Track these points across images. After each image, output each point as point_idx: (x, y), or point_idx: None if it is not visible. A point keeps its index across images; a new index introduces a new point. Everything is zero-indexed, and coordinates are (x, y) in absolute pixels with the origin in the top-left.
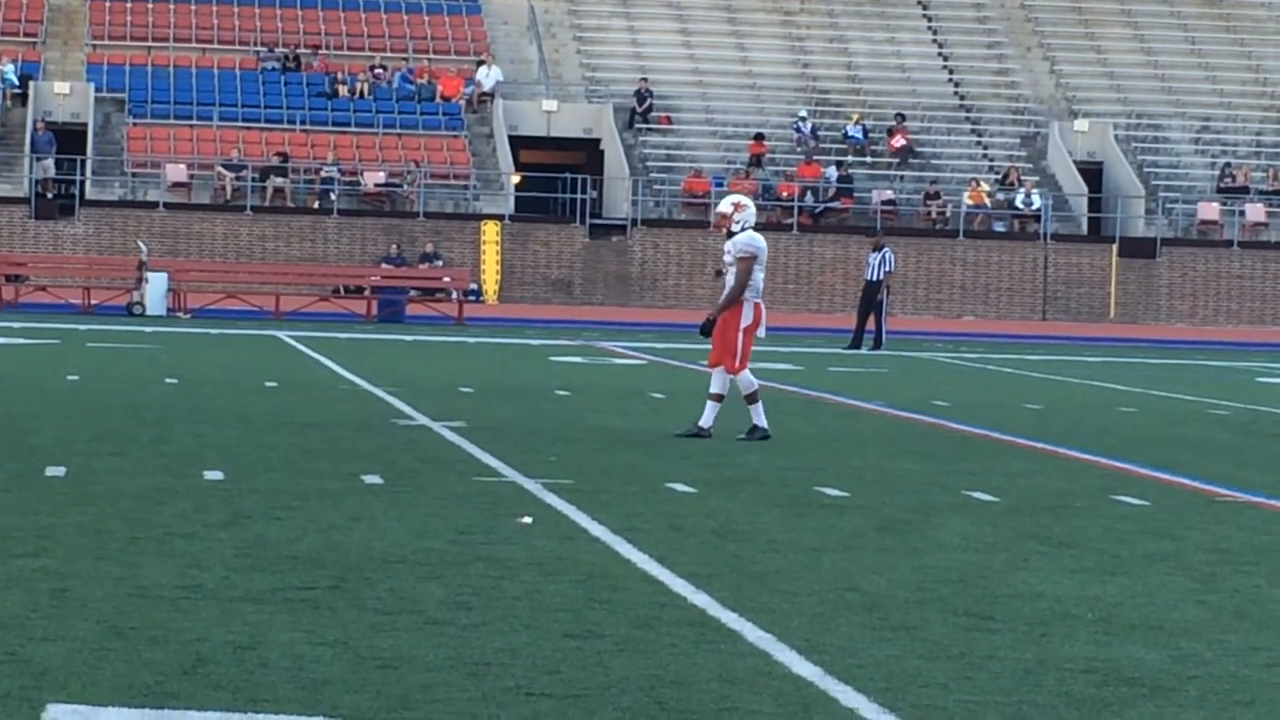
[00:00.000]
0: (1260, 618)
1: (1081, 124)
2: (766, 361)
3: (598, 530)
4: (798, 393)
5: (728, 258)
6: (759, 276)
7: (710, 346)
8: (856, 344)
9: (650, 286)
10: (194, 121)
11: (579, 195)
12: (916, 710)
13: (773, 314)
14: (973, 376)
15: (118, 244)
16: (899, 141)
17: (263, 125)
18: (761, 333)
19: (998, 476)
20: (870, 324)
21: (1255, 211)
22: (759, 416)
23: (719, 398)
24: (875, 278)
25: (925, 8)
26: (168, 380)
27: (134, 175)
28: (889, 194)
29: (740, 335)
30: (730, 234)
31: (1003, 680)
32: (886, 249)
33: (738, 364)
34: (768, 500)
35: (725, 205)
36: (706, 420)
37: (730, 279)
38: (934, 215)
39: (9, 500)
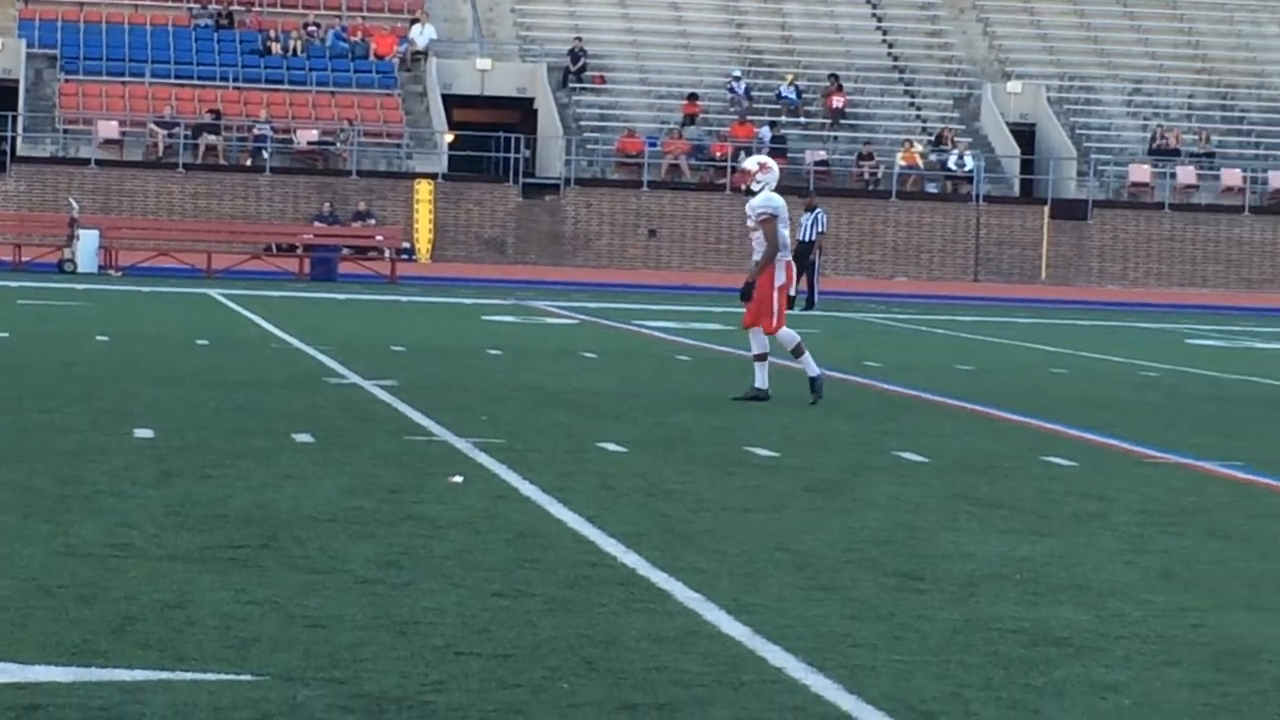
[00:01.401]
0: (1187, 578)
1: (1014, 86)
2: (699, 322)
3: (528, 490)
4: (729, 353)
5: (750, 221)
6: (784, 234)
7: (743, 310)
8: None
9: (583, 246)
10: (126, 78)
11: (512, 154)
12: (844, 670)
13: (706, 274)
14: (904, 337)
15: (49, 201)
16: (837, 102)
17: (195, 82)
18: (792, 290)
19: (928, 437)
20: (803, 284)
21: (1186, 174)
22: (811, 368)
23: (763, 357)
24: (807, 238)
25: None
26: (99, 338)
27: (66, 132)
28: (822, 154)
29: (775, 294)
30: (749, 191)
31: (931, 640)
32: (819, 209)
33: (775, 322)
34: (698, 460)
35: (750, 163)
36: (761, 381)
37: (756, 241)
38: (867, 176)
39: None
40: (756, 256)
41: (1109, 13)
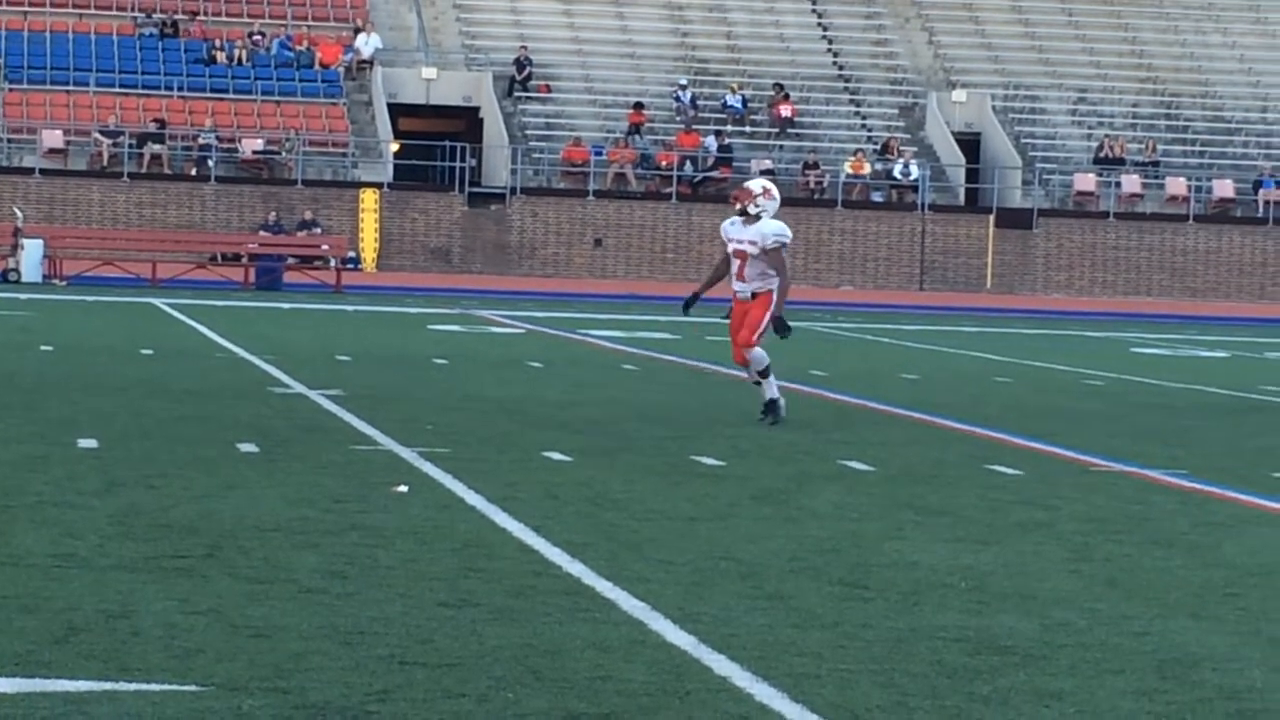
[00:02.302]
0: (1131, 586)
1: (959, 95)
2: (645, 330)
3: (474, 499)
4: (675, 362)
5: (746, 247)
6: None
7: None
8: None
9: (529, 255)
10: (70, 87)
11: (458, 163)
12: (790, 679)
13: (651, 283)
14: (850, 346)
15: None
16: (784, 111)
17: (140, 91)
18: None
19: (873, 446)
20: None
21: (1131, 183)
22: (772, 390)
23: (765, 372)
24: None
25: None
26: (43, 347)
27: (9, 141)
28: (768, 164)
29: (766, 316)
30: (744, 213)
31: (875, 649)
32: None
33: (755, 338)
34: (644, 469)
35: (755, 185)
36: (772, 392)
37: (752, 265)
38: (812, 185)
39: None
40: (750, 284)
41: (1054, 22)
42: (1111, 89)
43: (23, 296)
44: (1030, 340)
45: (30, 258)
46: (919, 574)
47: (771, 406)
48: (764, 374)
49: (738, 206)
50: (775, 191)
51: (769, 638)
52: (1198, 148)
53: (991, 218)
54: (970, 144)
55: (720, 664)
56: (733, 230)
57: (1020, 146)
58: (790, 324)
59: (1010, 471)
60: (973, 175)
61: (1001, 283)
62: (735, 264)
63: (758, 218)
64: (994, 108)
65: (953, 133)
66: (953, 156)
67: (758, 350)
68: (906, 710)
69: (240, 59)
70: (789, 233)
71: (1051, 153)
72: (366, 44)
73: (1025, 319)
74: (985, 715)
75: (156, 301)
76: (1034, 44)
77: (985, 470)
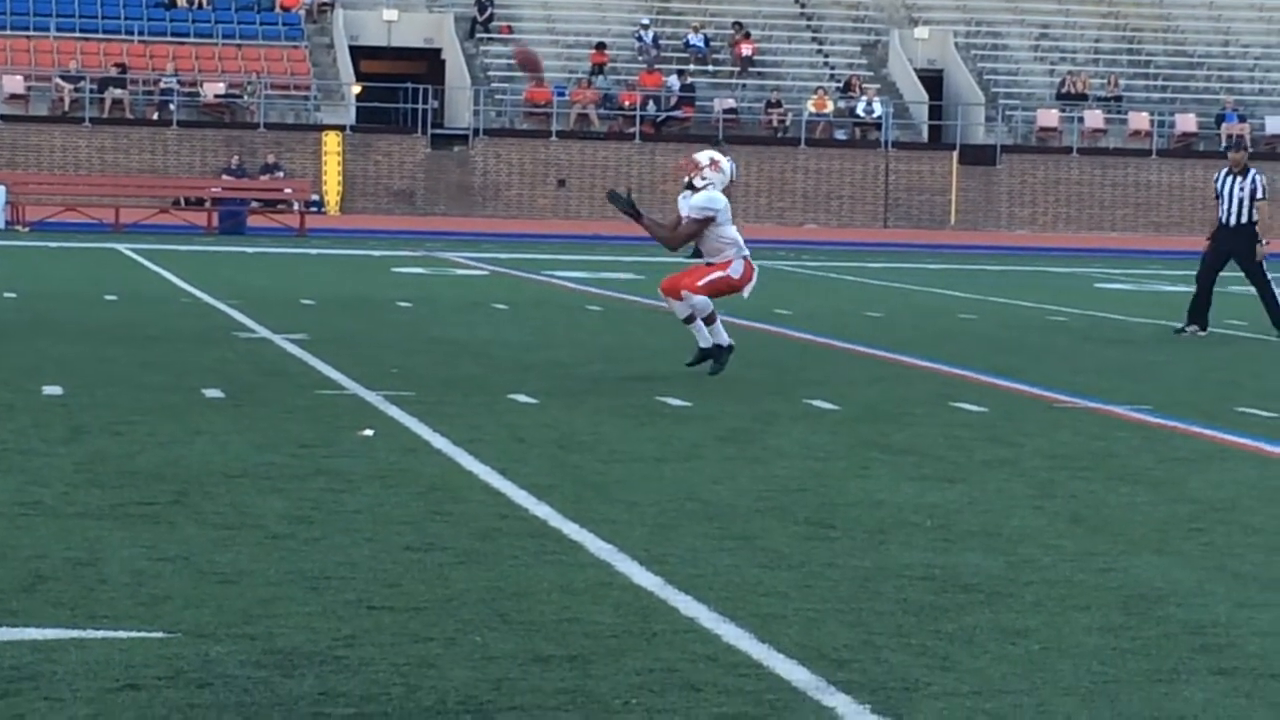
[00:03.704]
0: (1095, 523)
1: (922, 32)
2: (609, 271)
3: (439, 442)
4: (639, 302)
5: (685, 212)
6: (732, 231)
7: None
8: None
9: (493, 197)
10: (30, 32)
11: (420, 105)
12: (756, 619)
13: (616, 224)
14: (814, 284)
15: None
16: (745, 50)
17: (100, 36)
18: (746, 293)
19: (838, 385)
20: None
21: (1094, 118)
22: (721, 336)
23: (691, 318)
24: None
25: None
26: (6, 294)
27: None
28: (730, 103)
29: (717, 273)
30: (690, 186)
31: (842, 588)
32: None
33: (700, 286)
34: (609, 411)
35: (702, 156)
36: (704, 340)
37: (704, 240)
38: (775, 124)
39: None
40: (706, 257)
41: None
42: (1074, 24)
43: None
44: (994, 277)
45: None
46: (884, 513)
47: (710, 354)
48: (708, 320)
49: (684, 180)
50: (725, 163)
51: (735, 578)
52: (1160, 82)
53: (955, 154)
54: (933, 81)
55: (687, 605)
56: (682, 204)
57: (983, 83)
58: (624, 200)
59: (975, 409)
60: (936, 112)
61: (965, 219)
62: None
63: (702, 190)
64: (956, 44)
65: (915, 70)
66: (916, 94)
67: (699, 297)
68: (873, 649)
69: (201, 3)
70: (717, 204)
71: (1014, 89)
72: None
73: (989, 255)
74: (951, 653)
75: (120, 247)
76: None
77: (950, 408)
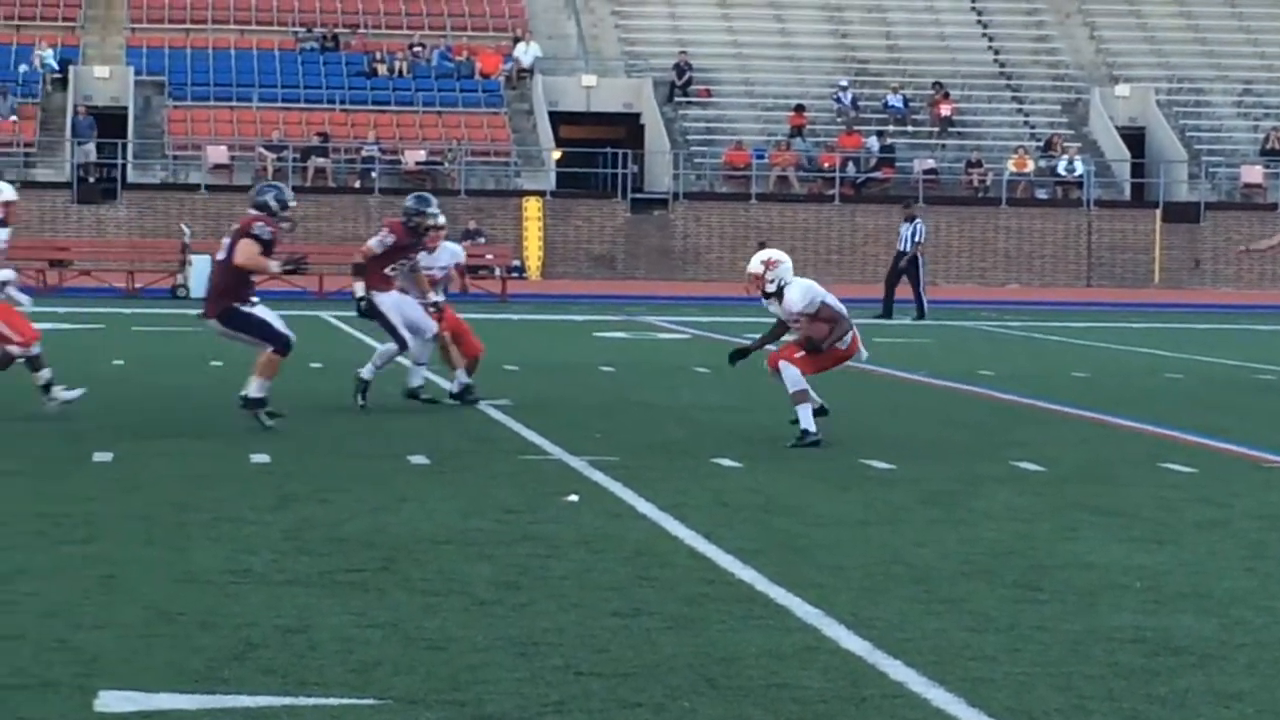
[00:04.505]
0: None
1: (1123, 89)
2: None
3: (645, 507)
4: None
5: (791, 322)
6: (832, 301)
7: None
8: (888, 313)
9: (693, 260)
10: (234, 103)
11: (620, 170)
12: (965, 683)
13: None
14: (1017, 345)
15: (160, 227)
16: (945, 110)
17: (302, 105)
18: (863, 355)
19: (1044, 446)
20: (909, 294)
21: None
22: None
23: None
24: (906, 248)
25: None
26: (213, 363)
27: (175, 158)
28: (930, 163)
29: (827, 352)
30: (766, 295)
31: (1051, 651)
32: (918, 219)
33: (797, 358)
34: (814, 474)
35: (755, 265)
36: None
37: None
38: (976, 183)
39: (58, 487)
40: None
41: (1216, 13)
42: (1278, 79)
43: (192, 312)
44: (1200, 335)
45: (198, 274)
46: (1093, 575)
47: (807, 437)
48: (799, 398)
49: (757, 292)
50: (777, 255)
51: (944, 642)
52: None
53: (1158, 212)
54: (1135, 138)
55: (896, 669)
56: (773, 308)
57: (1185, 140)
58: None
59: (1183, 469)
60: (1138, 170)
61: (1169, 278)
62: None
63: (780, 290)
64: (1158, 101)
65: (1117, 127)
66: (1117, 151)
67: (792, 370)
68: (1084, 713)
69: (401, 71)
70: (813, 292)
71: (1217, 145)
72: (526, 53)
73: (1194, 314)
74: (1163, 717)
75: (323, 314)
76: (1197, 36)
77: (1158, 469)
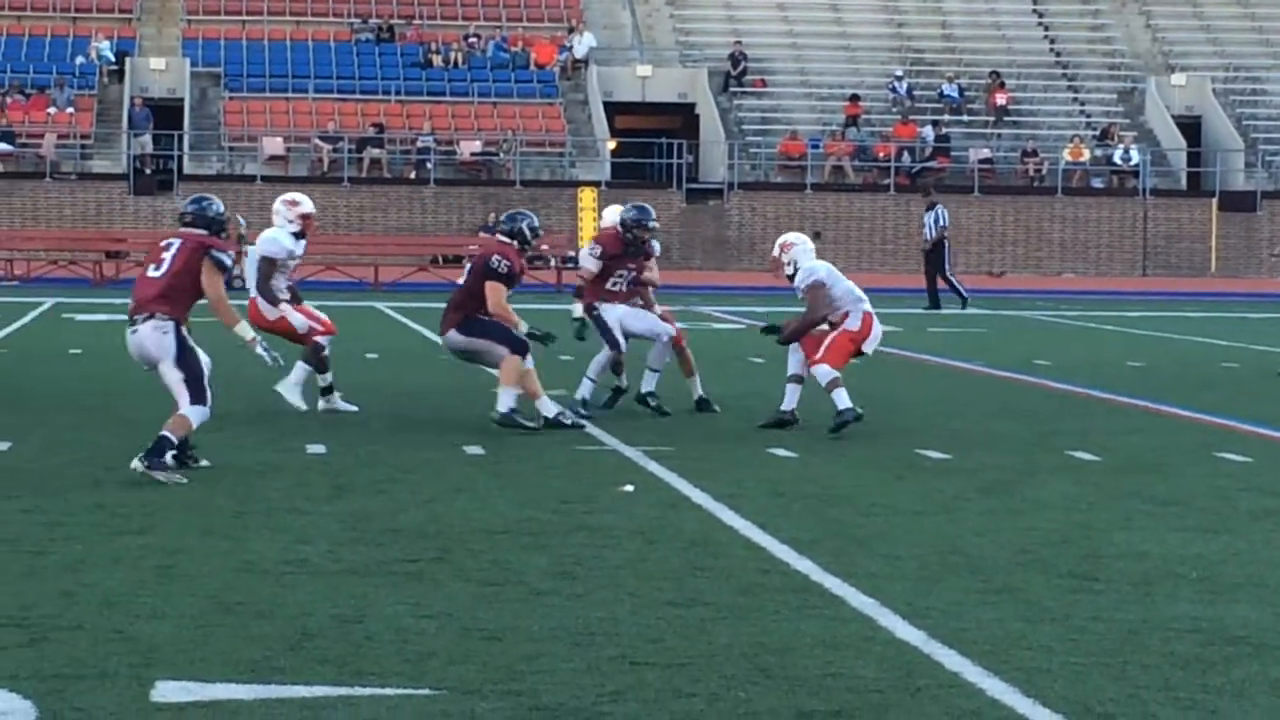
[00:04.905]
0: None
1: (1179, 78)
2: None
3: (699, 497)
4: (897, 354)
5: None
6: (847, 285)
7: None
8: (934, 304)
9: (748, 250)
10: (290, 94)
11: (675, 160)
12: (1021, 673)
13: (870, 275)
14: (1073, 334)
15: None
16: (1000, 99)
17: (358, 97)
18: (869, 349)
19: (1100, 435)
20: (945, 282)
21: None
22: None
23: (795, 379)
24: (930, 235)
25: None
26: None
27: (231, 149)
28: (986, 152)
29: (834, 335)
30: (790, 277)
31: (1107, 641)
32: (939, 206)
33: (817, 358)
34: (869, 464)
35: (775, 250)
36: (789, 403)
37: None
38: (1031, 173)
39: (115, 477)
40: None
41: (1273, 1)
42: None
43: (246, 303)
44: (1256, 324)
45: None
46: (1149, 564)
47: (841, 416)
48: (831, 386)
49: (784, 276)
50: (793, 238)
51: (999, 632)
52: None
53: (1214, 201)
54: (1191, 127)
55: (951, 659)
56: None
57: (1242, 128)
58: (776, 330)
59: (1239, 458)
60: (1194, 159)
61: (1226, 266)
62: None
63: (797, 272)
64: (1214, 90)
65: (1173, 116)
66: (1173, 140)
67: (824, 369)
68: (1140, 703)
69: (456, 62)
70: (816, 272)
71: (1274, 134)
72: (581, 43)
73: (1250, 303)
74: (1220, 707)
75: (379, 305)
76: (1254, 24)
77: (1214, 457)
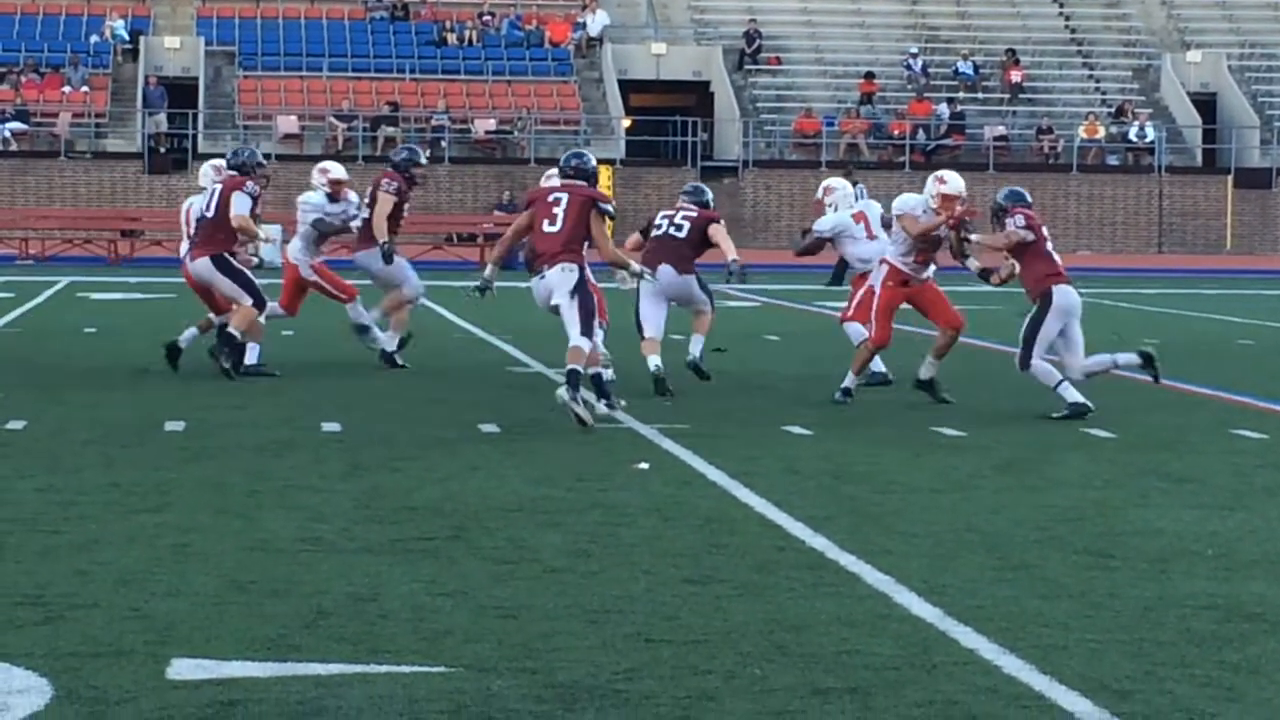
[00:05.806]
0: None
1: (1194, 55)
2: None
3: (715, 475)
4: (912, 331)
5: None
6: (860, 249)
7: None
8: (838, 278)
9: (763, 228)
10: (304, 73)
11: (690, 138)
12: (1037, 650)
13: None
14: (1088, 311)
15: None
16: (1015, 76)
17: (372, 75)
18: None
19: (1115, 412)
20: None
21: None
22: (874, 363)
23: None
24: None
25: None
26: (284, 332)
27: (245, 128)
28: (1001, 129)
29: (859, 294)
30: None
31: (1123, 618)
32: (860, 185)
33: (849, 315)
34: (885, 441)
35: (819, 192)
36: (877, 365)
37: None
38: (1047, 150)
39: (129, 455)
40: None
41: None
42: None
43: (263, 282)
44: (1272, 301)
45: (270, 244)
46: (1165, 541)
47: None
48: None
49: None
50: (834, 183)
51: (1015, 609)
52: None
53: (1230, 178)
54: (1206, 104)
55: (967, 636)
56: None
57: (1258, 105)
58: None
59: (1255, 435)
60: (1209, 136)
61: (1241, 243)
62: None
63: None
64: (1230, 67)
65: (1188, 93)
66: (1188, 117)
67: (851, 325)
68: (1157, 680)
69: (471, 40)
70: (821, 227)
71: None
72: (595, 21)
73: (1266, 280)
74: (1237, 684)
75: None
76: (1269, 1)
77: (1229, 435)
